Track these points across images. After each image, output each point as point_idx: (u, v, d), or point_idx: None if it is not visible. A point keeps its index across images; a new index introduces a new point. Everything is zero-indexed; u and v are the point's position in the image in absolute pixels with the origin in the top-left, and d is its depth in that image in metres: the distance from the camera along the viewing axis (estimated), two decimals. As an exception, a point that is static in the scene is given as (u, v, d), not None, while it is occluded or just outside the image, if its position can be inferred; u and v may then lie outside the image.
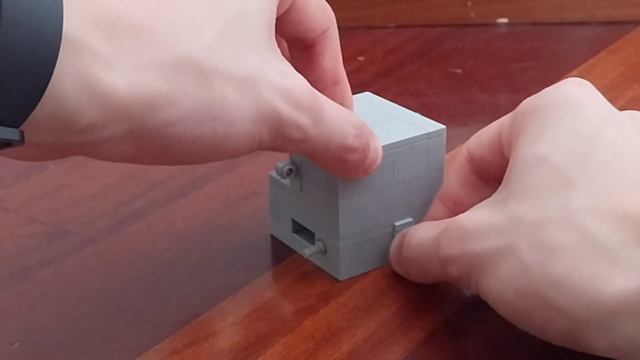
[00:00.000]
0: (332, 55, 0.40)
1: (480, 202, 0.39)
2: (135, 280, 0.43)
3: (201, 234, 0.46)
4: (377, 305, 0.40)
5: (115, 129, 0.31)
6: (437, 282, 0.40)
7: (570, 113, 0.36)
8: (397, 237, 0.41)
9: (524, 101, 0.38)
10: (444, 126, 0.43)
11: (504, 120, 0.39)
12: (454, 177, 0.41)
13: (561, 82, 0.38)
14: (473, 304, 0.40)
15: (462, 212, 0.39)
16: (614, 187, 0.33)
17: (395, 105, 0.45)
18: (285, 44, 0.40)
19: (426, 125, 0.42)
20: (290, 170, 0.42)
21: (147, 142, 0.32)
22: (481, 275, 0.35)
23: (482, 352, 0.37)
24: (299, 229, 0.44)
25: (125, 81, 0.30)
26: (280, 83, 0.34)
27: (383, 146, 0.40)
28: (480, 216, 0.36)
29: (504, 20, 0.75)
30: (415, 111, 0.45)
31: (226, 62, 0.32)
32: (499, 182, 0.39)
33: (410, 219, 0.42)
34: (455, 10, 0.75)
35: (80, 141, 0.30)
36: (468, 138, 0.54)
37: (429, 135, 0.42)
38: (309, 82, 0.37)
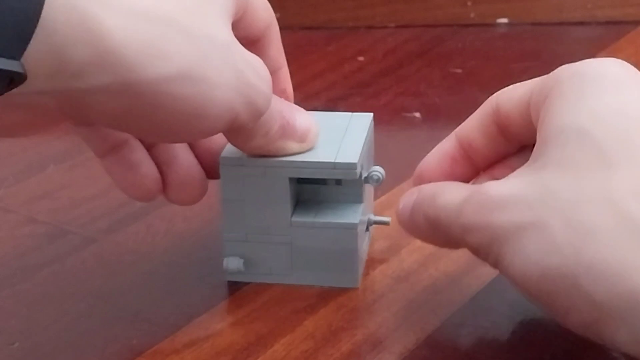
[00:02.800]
0: (275, 45, 0.41)
1: (495, 156, 0.39)
2: (135, 280, 0.43)
3: (201, 234, 0.46)
4: (377, 305, 0.40)
5: (110, 77, 0.31)
6: (452, 248, 0.38)
7: (614, 88, 0.34)
8: (413, 193, 0.38)
9: (559, 68, 0.36)
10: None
11: (537, 82, 0.37)
12: (476, 122, 0.40)
13: (603, 58, 0.35)
14: (473, 304, 0.40)
15: (475, 159, 0.39)
16: None
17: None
18: None
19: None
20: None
21: (140, 98, 0.32)
22: (503, 249, 0.33)
23: (482, 352, 0.37)
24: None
25: (121, 23, 0.30)
26: (248, 57, 0.36)
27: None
28: (510, 186, 0.33)
29: (504, 20, 0.75)
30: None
31: (205, 27, 0.33)
32: (520, 144, 0.38)
33: None
34: (455, 10, 0.75)
35: (76, 88, 0.30)
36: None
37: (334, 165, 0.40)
38: None
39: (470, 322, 0.39)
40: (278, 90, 0.42)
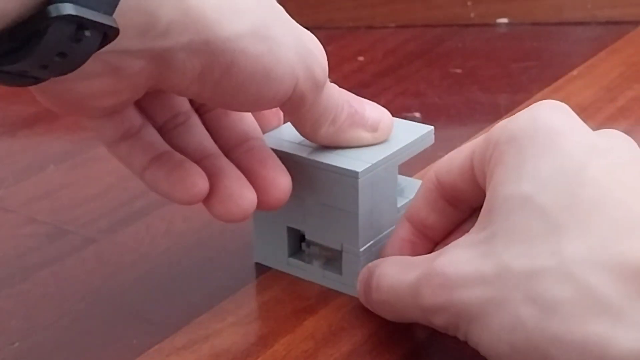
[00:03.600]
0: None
1: (451, 226, 0.39)
2: (135, 280, 0.43)
3: (201, 234, 0.46)
4: (377, 305, 0.40)
5: (192, 35, 0.32)
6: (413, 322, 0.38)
7: (550, 145, 0.33)
8: (364, 272, 0.39)
9: (497, 126, 0.35)
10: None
11: (475, 145, 0.36)
12: (422, 201, 0.39)
13: (536, 105, 0.35)
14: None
15: (432, 236, 0.39)
16: (606, 230, 0.31)
17: None
18: None
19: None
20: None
21: (216, 56, 0.33)
22: (470, 326, 0.33)
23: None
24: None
25: None
26: (302, 28, 0.37)
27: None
28: (463, 260, 0.33)
29: (504, 20, 0.75)
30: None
31: None
32: (472, 209, 0.38)
33: None
34: (455, 10, 0.75)
35: (161, 47, 0.32)
36: (468, 138, 0.54)
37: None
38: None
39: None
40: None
